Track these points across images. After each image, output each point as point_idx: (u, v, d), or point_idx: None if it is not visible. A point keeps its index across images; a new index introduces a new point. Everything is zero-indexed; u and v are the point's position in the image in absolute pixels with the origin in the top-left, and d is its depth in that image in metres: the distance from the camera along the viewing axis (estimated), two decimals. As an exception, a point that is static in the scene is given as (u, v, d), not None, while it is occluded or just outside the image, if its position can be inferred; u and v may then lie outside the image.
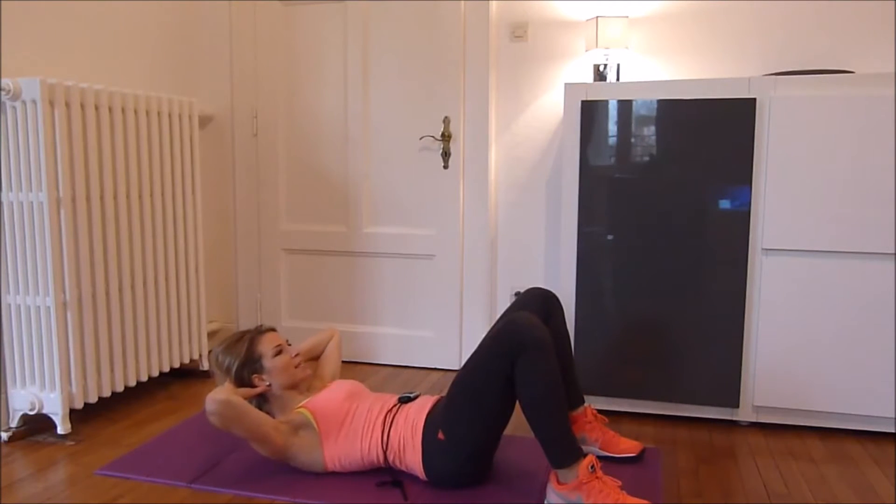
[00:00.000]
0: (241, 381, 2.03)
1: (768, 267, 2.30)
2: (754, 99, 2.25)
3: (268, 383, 2.04)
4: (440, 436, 1.87)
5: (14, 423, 2.28)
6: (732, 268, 2.32)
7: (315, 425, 1.95)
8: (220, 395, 1.83)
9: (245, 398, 1.96)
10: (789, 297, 2.29)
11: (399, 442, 1.93)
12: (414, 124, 3.01)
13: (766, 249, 2.30)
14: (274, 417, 2.03)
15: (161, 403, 2.63)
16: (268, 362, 2.05)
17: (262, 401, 2.07)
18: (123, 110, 2.44)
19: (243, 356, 2.03)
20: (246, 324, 3.31)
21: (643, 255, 2.38)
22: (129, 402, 2.63)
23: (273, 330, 2.14)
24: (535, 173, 2.92)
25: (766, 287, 2.31)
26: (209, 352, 2.11)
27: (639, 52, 2.75)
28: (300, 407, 1.98)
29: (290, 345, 2.14)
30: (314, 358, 2.34)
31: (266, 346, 2.07)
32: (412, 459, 1.91)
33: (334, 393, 2.03)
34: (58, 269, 2.21)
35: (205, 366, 2.92)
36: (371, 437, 1.95)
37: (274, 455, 1.94)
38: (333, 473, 1.99)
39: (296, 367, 2.08)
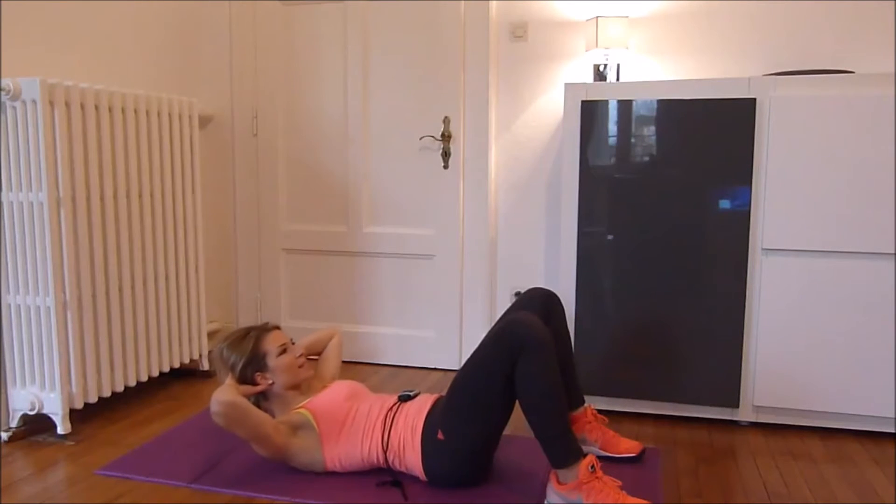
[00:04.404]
0: (244, 378, 2.03)
1: (768, 267, 2.30)
2: (754, 99, 2.25)
3: (270, 381, 2.04)
4: (440, 436, 1.87)
5: (14, 423, 2.28)
6: (732, 268, 2.32)
7: (315, 426, 1.95)
8: (226, 397, 1.83)
9: (246, 395, 1.97)
10: (789, 297, 2.29)
11: (399, 442, 1.93)
12: (414, 124, 3.01)
13: (766, 249, 2.30)
14: (273, 416, 2.04)
15: (161, 403, 2.62)
16: (272, 361, 2.05)
17: (261, 398, 2.08)
18: (123, 110, 2.44)
19: (248, 354, 2.03)
20: (246, 324, 3.31)
21: (643, 255, 2.38)
22: (129, 402, 2.63)
23: (278, 328, 2.14)
24: (535, 173, 2.92)
25: (766, 287, 2.31)
26: (209, 352, 2.12)
27: (639, 52, 2.75)
28: (300, 407, 1.98)
29: (293, 343, 2.14)
30: (315, 354, 2.35)
31: (271, 344, 2.06)
32: (412, 460, 1.91)
33: (334, 394, 2.03)
34: (58, 269, 2.21)
35: (205, 366, 2.92)
36: (371, 437, 1.96)
37: (273, 455, 1.94)
38: (333, 473, 1.99)
39: (299, 366, 2.09)
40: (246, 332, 2.09)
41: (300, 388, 2.11)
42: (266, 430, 1.89)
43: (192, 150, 2.79)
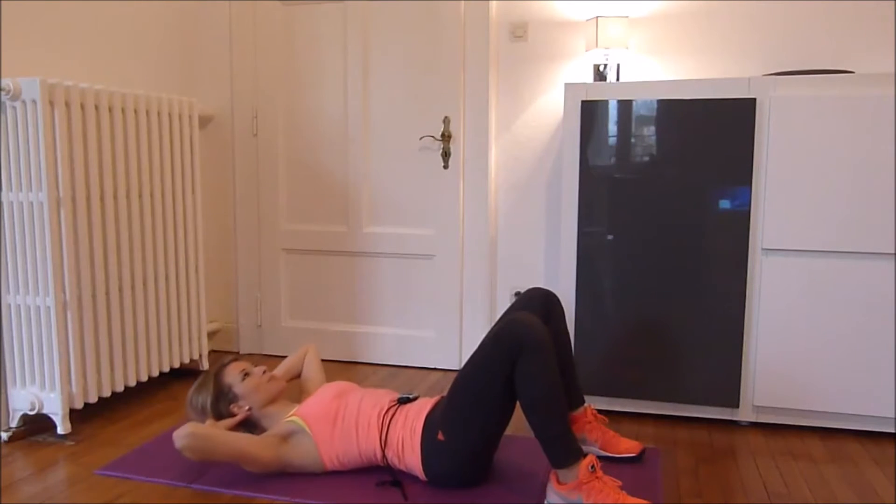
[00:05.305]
0: (220, 414, 2.06)
1: (768, 267, 2.30)
2: (754, 99, 2.25)
3: (247, 408, 2.06)
4: (440, 436, 1.87)
5: (14, 423, 2.28)
6: (732, 268, 2.32)
7: (308, 430, 1.96)
8: (184, 430, 1.82)
9: (229, 428, 1.98)
10: (789, 296, 2.29)
11: (398, 442, 1.93)
12: (414, 124, 3.01)
13: (766, 249, 2.30)
14: None
15: (161, 403, 2.63)
16: (238, 388, 2.07)
17: (251, 426, 2.09)
18: (123, 110, 2.44)
19: (214, 391, 2.06)
20: (246, 324, 3.31)
21: (643, 255, 2.38)
22: (129, 402, 2.63)
23: (235, 359, 2.17)
24: (535, 173, 2.92)
25: (766, 287, 2.31)
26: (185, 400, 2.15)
27: (639, 52, 2.75)
28: (290, 416, 2.00)
29: (255, 367, 2.16)
30: (295, 377, 2.37)
31: (232, 375, 2.09)
32: (411, 460, 1.91)
33: (322, 396, 2.04)
34: (58, 269, 2.21)
35: (205, 366, 2.92)
36: (368, 432, 1.96)
37: (266, 470, 1.95)
38: (333, 473, 1.99)
39: (268, 381, 2.11)
40: (206, 374, 2.13)
41: (278, 402, 2.13)
42: (248, 449, 1.89)
43: (192, 150, 2.79)
